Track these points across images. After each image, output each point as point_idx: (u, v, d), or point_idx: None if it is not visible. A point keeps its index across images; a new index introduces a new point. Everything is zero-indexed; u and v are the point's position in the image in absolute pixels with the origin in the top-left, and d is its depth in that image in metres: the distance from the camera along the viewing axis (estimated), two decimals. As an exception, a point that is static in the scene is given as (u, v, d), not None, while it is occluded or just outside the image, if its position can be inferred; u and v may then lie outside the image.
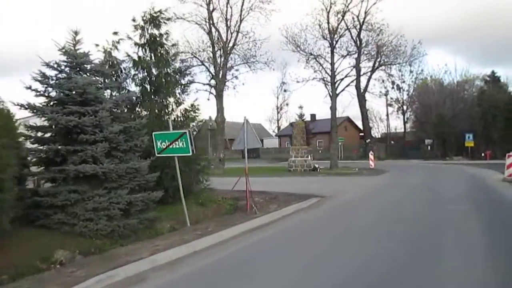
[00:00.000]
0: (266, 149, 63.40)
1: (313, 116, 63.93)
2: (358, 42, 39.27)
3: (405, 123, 61.22)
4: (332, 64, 28.27)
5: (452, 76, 48.14)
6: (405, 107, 55.97)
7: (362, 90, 45.37)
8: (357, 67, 42.14)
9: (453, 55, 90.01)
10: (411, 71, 53.65)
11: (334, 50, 28.54)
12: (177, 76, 11.97)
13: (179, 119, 11.83)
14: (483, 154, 38.52)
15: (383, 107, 55.58)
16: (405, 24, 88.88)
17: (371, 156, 30.77)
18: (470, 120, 40.04)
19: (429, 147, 43.86)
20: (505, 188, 14.98)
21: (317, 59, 28.21)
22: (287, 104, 75.80)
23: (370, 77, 44.71)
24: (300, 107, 55.18)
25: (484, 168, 26.05)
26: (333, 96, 28.55)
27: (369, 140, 45.72)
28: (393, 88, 55.35)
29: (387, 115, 51.90)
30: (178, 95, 11.89)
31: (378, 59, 42.12)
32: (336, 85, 28.76)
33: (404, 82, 54.85)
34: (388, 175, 24.15)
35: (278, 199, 13.44)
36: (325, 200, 13.26)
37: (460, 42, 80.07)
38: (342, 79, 29.03)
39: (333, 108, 28.59)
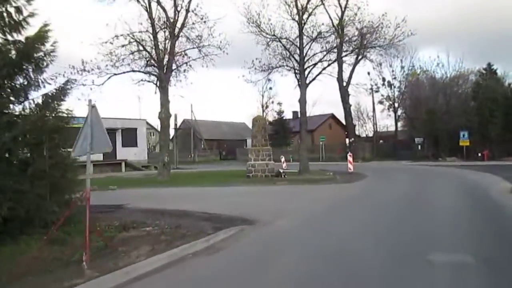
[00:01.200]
0: (246, 150, 58.63)
1: (295, 113, 59.17)
2: (339, 30, 34.79)
3: (396, 121, 57.05)
4: (301, 48, 23.51)
5: (445, 69, 43.64)
6: (396, 105, 51.80)
7: (345, 83, 40.79)
8: (338, 58, 37.71)
9: (446, 54, 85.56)
10: (402, 67, 49.47)
11: (304, 32, 23.75)
12: None
13: None
14: (479, 155, 33.98)
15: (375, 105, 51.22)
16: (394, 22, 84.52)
17: (349, 158, 26.07)
18: (465, 116, 35.48)
19: (419, 147, 39.27)
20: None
21: (281, 41, 23.41)
22: (272, 102, 71.04)
23: (353, 69, 40.24)
24: (279, 104, 50.62)
25: (483, 172, 21.45)
26: (302, 86, 23.82)
27: (352, 139, 41.09)
28: (383, 84, 51.15)
29: (374, 111, 47.37)
30: None
31: (362, 49, 37.76)
32: (307, 73, 24.02)
33: (395, 78, 50.65)
34: (363, 182, 19.49)
35: (179, 228, 8.70)
36: (246, 232, 8.50)
37: (452, 40, 75.69)
38: (314, 65, 24.26)
39: (302, 101, 23.87)
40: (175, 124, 40.85)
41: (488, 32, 67.82)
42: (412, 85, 46.07)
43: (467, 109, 35.63)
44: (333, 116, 55.08)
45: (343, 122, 56.96)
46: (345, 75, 40.82)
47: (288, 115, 56.84)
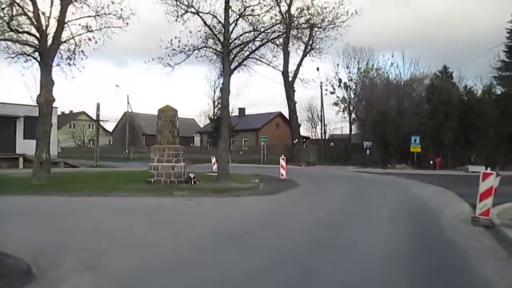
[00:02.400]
0: (192, 148, 53.50)
1: (241, 110, 54.93)
2: (287, 19, 30.78)
3: (351, 124, 54.11)
4: (226, 25, 19.00)
5: (399, 69, 40.46)
6: (351, 107, 48.69)
7: (291, 78, 36.79)
8: (285, 49, 33.72)
9: (401, 54, 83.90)
10: (358, 69, 46.32)
11: (234, 7, 19.26)
12: None
13: None
14: (431, 162, 30.83)
15: (330, 107, 47.86)
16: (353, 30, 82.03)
17: (282, 162, 21.90)
18: (417, 119, 32.21)
19: (368, 151, 35.82)
20: (498, 266, 6.04)
21: (200, 15, 18.75)
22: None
23: (300, 62, 36.30)
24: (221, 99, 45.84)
25: (435, 185, 17.79)
26: (226, 73, 19.34)
27: (296, 140, 37.13)
28: (340, 86, 47.91)
29: (322, 109, 43.55)
30: None
31: (310, 42, 33.97)
32: (231, 57, 19.54)
33: (351, 80, 47.48)
34: (287, 196, 15.26)
35: None
36: None
37: (410, 45, 73.77)
38: (241, 47, 19.77)
39: (225, 90, 19.41)
40: (97, 115, 35.40)
41: (446, 38, 66.27)
42: (366, 86, 42.79)
43: (421, 112, 32.37)
44: (281, 115, 51.05)
45: (293, 122, 53.56)
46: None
47: (235, 112, 52.49)
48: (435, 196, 13.86)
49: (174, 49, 19.61)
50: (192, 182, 17.70)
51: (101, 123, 49.33)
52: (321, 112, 43.45)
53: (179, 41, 19.52)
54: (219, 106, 45.68)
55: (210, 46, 19.87)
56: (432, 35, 68.07)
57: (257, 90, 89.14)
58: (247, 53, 19.76)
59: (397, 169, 30.77)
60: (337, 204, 12.56)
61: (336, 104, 49.05)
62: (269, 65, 20.16)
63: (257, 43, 19.65)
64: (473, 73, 70.62)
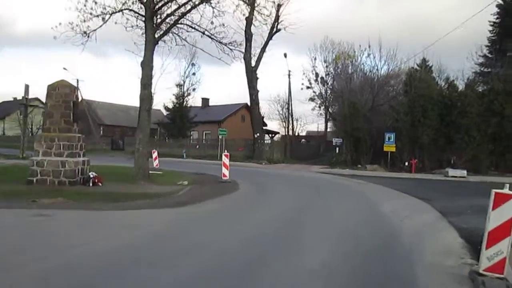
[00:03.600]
0: (154, 141, 48.45)
1: (205, 100, 50.39)
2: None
3: (327, 120, 50.30)
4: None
5: (376, 61, 36.45)
6: (328, 103, 44.82)
7: (254, 64, 32.47)
8: (247, 30, 29.42)
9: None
10: (336, 62, 42.17)
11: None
12: None
13: None
14: (406, 164, 27.00)
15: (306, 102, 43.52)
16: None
17: (224, 160, 17.62)
18: (392, 114, 28.34)
19: (337, 149, 31.82)
20: None
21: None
22: (194, 89, 60.95)
23: (265, 46, 31.97)
24: (179, 85, 41.24)
25: (409, 195, 13.79)
26: (148, 41, 14.82)
27: (258, 134, 32.84)
28: (316, 80, 43.84)
29: (289, 98, 39.26)
30: None
31: (276, 23, 29.83)
32: (156, 20, 15.04)
33: (328, 75, 43.44)
34: (214, 207, 10.96)
35: None
36: None
37: (388, 44, 70.08)
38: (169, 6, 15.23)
39: (146, 63, 14.83)
40: (25, 98, 30.28)
41: (427, 35, 63.00)
42: (339, 77, 38.80)
43: (396, 106, 28.48)
44: (248, 107, 46.61)
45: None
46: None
47: (197, 102, 47.97)
48: (410, 217, 9.73)
49: (91, 13, 15.03)
50: (91, 184, 13.23)
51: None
52: (288, 103, 39.23)
53: (95, 2, 14.96)
54: (188, 97, 41.27)
55: (130, 8, 15.28)
56: (413, 34, 64.62)
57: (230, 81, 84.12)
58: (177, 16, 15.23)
59: (368, 170, 26.83)
60: (264, 229, 8.25)
61: (312, 99, 45.07)
62: (204, 33, 15.63)
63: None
64: (454, 68, 67.01)
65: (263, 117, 36.33)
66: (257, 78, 32.59)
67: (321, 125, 54.52)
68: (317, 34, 76.77)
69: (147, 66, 14.77)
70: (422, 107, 26.26)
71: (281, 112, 46.20)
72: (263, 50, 32.27)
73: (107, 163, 26.66)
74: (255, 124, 33.05)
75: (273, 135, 53.37)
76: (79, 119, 13.98)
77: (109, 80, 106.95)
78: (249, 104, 36.52)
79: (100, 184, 13.49)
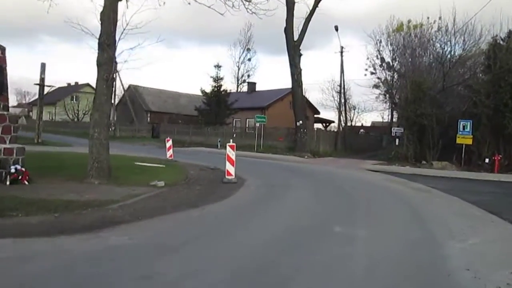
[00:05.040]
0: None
1: (251, 85, 45.94)
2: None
3: (392, 109, 43.65)
4: None
5: (449, 36, 29.37)
6: (394, 91, 38.28)
7: (296, 38, 27.34)
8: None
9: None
10: (404, 46, 35.54)
11: None
12: None
13: None
14: (487, 161, 20.74)
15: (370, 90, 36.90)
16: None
17: (228, 152, 12.97)
18: (470, 97, 22.05)
19: (397, 141, 25.91)
20: None
21: None
22: (248, 76, 56.94)
23: (310, 17, 26.69)
24: (217, 66, 36.89)
25: (502, 220, 8.23)
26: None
27: (301, 122, 27.72)
28: (382, 66, 37.35)
29: (342, 80, 33.40)
30: None
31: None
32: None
33: (395, 59, 36.73)
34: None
35: None
36: None
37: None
38: None
39: (107, 14, 10.41)
40: (41, 78, 27.39)
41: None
42: (401, 55, 32.44)
43: (475, 85, 22.06)
44: (296, 92, 41.41)
45: (313, 103, 43.86)
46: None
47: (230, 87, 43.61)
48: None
49: None
50: (8, 182, 9.14)
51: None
52: (340, 86, 33.51)
53: None
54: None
55: None
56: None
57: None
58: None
59: (435, 168, 20.93)
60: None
61: (376, 86, 38.55)
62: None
63: None
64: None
65: (306, 101, 30.85)
66: (300, 55, 27.40)
67: (386, 115, 47.95)
68: (379, 12, 69.31)
69: (107, 18, 10.39)
70: (511, 86, 19.83)
71: (336, 98, 40.42)
72: (307, 21, 26.99)
73: (121, 152, 23.21)
74: (297, 109, 27.94)
75: (327, 124, 47.90)
76: (5, 91, 9.90)
77: (159, 66, 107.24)
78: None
79: (25, 182, 9.38)
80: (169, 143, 20.91)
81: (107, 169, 10.59)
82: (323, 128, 44.77)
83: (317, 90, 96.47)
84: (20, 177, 9.37)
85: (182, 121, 47.10)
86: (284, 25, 27.14)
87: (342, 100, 34.08)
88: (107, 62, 10.40)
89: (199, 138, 36.59)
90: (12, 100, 79.64)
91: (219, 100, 36.01)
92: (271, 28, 61.77)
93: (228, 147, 13.16)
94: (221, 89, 36.74)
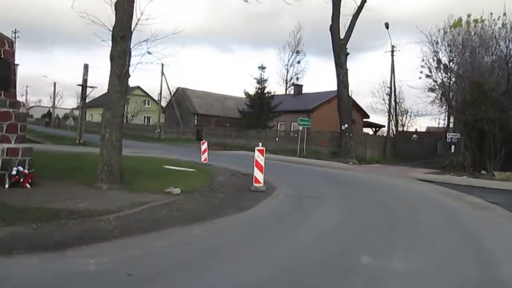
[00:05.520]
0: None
1: (297, 87, 44.52)
2: None
3: (449, 114, 40.40)
4: None
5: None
6: (451, 94, 35.28)
7: (342, 37, 25.70)
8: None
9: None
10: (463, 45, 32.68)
11: None
12: None
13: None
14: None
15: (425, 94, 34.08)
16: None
17: (257, 157, 11.69)
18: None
19: (452, 148, 23.49)
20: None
21: None
22: (297, 78, 55.54)
23: (357, 14, 25.00)
24: (261, 68, 35.76)
25: None
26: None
27: (346, 125, 25.94)
28: (438, 68, 34.60)
29: (391, 85, 31.16)
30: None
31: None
32: None
33: (452, 60, 33.81)
34: None
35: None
36: None
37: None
38: None
39: (121, 3, 9.46)
40: (84, 79, 27.43)
41: None
42: (459, 54, 29.70)
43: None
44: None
45: (361, 105, 41.68)
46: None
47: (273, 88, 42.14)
48: None
49: None
50: (7, 185, 8.38)
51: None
52: (390, 88, 31.23)
53: None
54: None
55: None
56: None
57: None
58: None
59: (497, 179, 18.54)
60: None
61: (432, 89, 35.67)
62: None
63: None
64: None
65: (352, 104, 28.84)
66: (346, 54, 25.64)
67: (442, 119, 44.64)
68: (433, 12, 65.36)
69: (121, 8, 9.46)
70: None
71: (386, 101, 38.01)
72: (355, 17, 25.21)
73: (161, 154, 22.65)
74: (343, 112, 26.16)
75: (377, 129, 45.48)
76: (12, 87, 9.19)
77: (210, 70, 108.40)
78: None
79: (27, 185, 8.60)
80: (203, 146, 19.95)
81: (119, 173, 9.63)
82: (371, 133, 42.46)
83: (367, 94, 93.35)
84: (22, 180, 8.60)
85: (229, 124, 46.55)
86: (330, 23, 25.52)
87: (393, 103, 31.71)
88: (120, 56, 9.45)
89: (241, 141, 35.60)
90: (73, 103, 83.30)
91: (262, 103, 34.84)
92: (322, 30, 60.08)
93: (256, 151, 11.87)
94: (265, 91, 35.53)
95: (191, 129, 48.19)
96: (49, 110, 78.27)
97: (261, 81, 35.48)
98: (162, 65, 45.29)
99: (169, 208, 8.03)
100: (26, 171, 8.78)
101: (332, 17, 25.33)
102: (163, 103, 63.99)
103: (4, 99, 9.00)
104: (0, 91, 8.95)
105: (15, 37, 57.00)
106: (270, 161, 24.33)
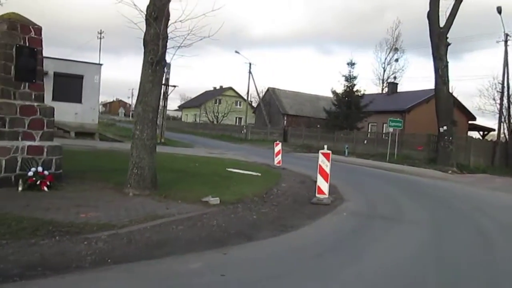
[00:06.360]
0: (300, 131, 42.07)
1: (392, 85, 40.93)
2: None
3: None
4: None
5: None
6: None
7: (442, 24, 22.32)
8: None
9: None
10: None
11: None
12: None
13: None
14: None
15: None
16: None
17: (321, 162, 9.64)
18: None
19: None
20: None
21: None
22: (395, 78, 51.73)
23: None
24: (350, 64, 33.03)
25: None
26: None
27: (444, 127, 22.41)
28: None
29: (505, 75, 26.47)
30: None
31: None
32: None
33: None
34: None
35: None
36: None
37: None
38: None
39: None
40: (166, 79, 27.34)
41: None
42: None
43: None
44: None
45: (465, 105, 36.79)
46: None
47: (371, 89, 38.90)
48: None
49: None
50: (20, 188, 7.44)
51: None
52: (502, 84, 26.60)
53: None
54: (350, 75, 33.06)
55: None
56: None
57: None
58: None
59: None
60: None
61: None
62: None
63: None
64: None
65: (453, 102, 24.81)
66: (447, 45, 22.07)
67: None
68: None
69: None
70: None
71: (497, 101, 32.99)
72: (458, 2, 21.61)
73: (238, 156, 21.55)
74: (441, 111, 22.64)
75: (485, 132, 39.96)
76: (38, 78, 8.29)
77: (298, 70, 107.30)
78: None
79: (45, 188, 7.58)
80: (277, 148, 18.28)
81: (150, 178, 8.26)
82: (478, 137, 37.27)
83: (474, 93, 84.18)
84: (39, 182, 7.60)
85: (319, 125, 44.32)
86: (427, 9, 22.25)
87: (505, 102, 27.07)
88: (153, 40, 8.10)
89: (327, 143, 33.12)
90: (176, 104, 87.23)
91: (350, 102, 32.08)
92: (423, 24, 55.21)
93: (320, 155, 9.83)
94: (354, 89, 32.74)
95: (278, 130, 46.76)
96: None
97: (349, 79, 32.71)
98: (250, 64, 44.56)
99: (189, 225, 6.43)
100: (46, 172, 7.78)
101: (430, 2, 22.03)
102: (255, 104, 63.80)
103: (28, 92, 8.12)
104: (25, 83, 8.05)
105: (100, 38, 59.63)
106: (353, 165, 22.01)
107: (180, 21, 8.07)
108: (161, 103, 28.98)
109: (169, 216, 6.74)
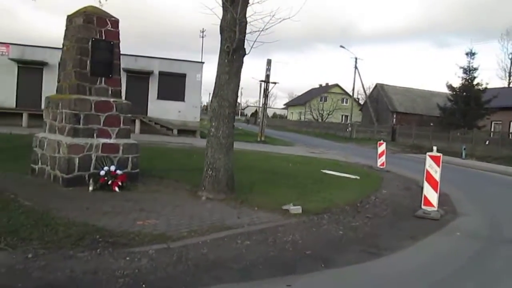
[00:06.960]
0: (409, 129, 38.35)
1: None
2: None
3: None
4: None
5: None
6: None
7: None
8: None
9: None
10: None
11: None
12: None
13: None
14: None
15: None
16: None
17: (430, 168, 7.99)
18: None
19: None
20: None
21: None
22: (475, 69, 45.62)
23: None
24: (470, 54, 29.31)
25: None
26: None
27: None
28: None
29: None
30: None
31: None
32: None
33: None
34: None
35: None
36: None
37: None
38: None
39: None
40: (267, 75, 26.71)
41: None
42: None
43: None
44: None
45: None
46: None
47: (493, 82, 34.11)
48: None
49: None
50: (91, 188, 7.13)
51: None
52: None
53: None
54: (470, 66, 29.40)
55: None
56: None
57: None
58: None
59: None
60: None
61: None
62: None
63: None
64: None
65: None
66: None
67: None
68: None
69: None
70: None
71: None
72: None
73: (338, 156, 20.23)
74: None
75: None
76: (115, 72, 7.94)
77: (409, 65, 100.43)
78: None
79: (116, 189, 7.19)
80: (381, 148, 16.51)
81: (226, 180, 7.45)
82: None
83: None
84: (110, 182, 7.22)
85: (433, 123, 40.45)
86: None
87: None
88: (229, 26, 7.25)
89: (441, 143, 29.90)
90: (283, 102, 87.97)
91: (469, 97, 28.34)
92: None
93: (428, 159, 8.17)
94: (474, 83, 28.91)
95: (386, 128, 43.79)
96: (256, 110, 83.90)
97: (468, 71, 28.93)
98: (356, 59, 42.30)
99: (258, 240, 5.41)
100: (119, 172, 7.37)
101: None
102: (363, 101, 60.91)
103: (104, 87, 7.82)
104: (101, 78, 7.76)
105: (202, 37, 60.74)
106: (471, 170, 19.18)
107: (258, 2, 7.08)
108: (261, 100, 28.65)
109: (237, 227, 5.80)
